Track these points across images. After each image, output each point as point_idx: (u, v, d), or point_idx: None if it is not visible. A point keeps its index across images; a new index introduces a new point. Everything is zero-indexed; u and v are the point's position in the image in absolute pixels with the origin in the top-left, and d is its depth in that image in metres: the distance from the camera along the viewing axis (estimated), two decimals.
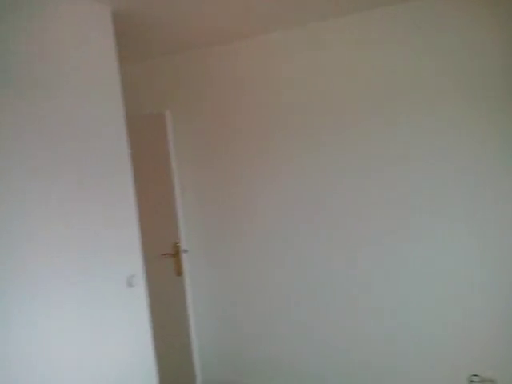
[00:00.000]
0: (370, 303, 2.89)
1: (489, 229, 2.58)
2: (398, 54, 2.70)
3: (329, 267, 2.98)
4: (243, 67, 3.10)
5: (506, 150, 2.54)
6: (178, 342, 3.19)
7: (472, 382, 2.67)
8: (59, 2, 2.00)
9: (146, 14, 2.44)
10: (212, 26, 2.76)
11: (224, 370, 3.39)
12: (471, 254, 2.63)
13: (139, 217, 3.07)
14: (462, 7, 2.54)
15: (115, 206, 2.24)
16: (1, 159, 1.68)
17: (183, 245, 3.12)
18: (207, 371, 3.44)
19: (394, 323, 2.84)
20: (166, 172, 3.09)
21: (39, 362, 1.78)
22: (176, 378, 3.22)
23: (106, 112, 2.23)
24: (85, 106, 2.10)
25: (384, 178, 2.80)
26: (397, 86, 2.72)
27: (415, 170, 2.71)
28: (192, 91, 3.27)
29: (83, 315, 2.00)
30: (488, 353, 2.64)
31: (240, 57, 3.10)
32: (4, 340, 1.64)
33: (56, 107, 1.94)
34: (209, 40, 3.03)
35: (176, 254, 3.11)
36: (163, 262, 3.17)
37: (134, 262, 2.35)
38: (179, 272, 3.11)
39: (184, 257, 3.12)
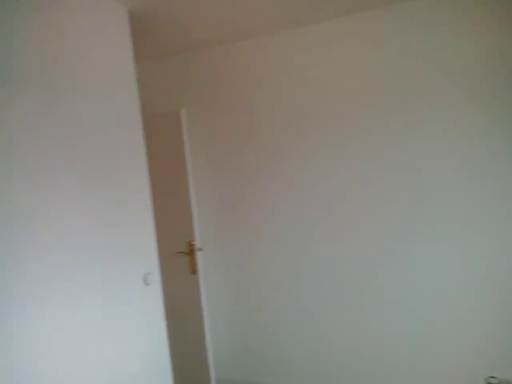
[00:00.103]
0: (384, 303, 2.87)
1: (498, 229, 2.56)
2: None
3: (342, 267, 2.97)
4: (259, 66, 3.10)
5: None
6: (192, 340, 3.20)
7: (489, 383, 2.63)
8: (77, 1, 2.02)
9: (162, 13, 2.45)
10: (227, 25, 2.76)
11: (238, 368, 3.40)
12: (485, 252, 2.60)
13: (154, 215, 3.09)
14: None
15: (131, 204, 2.26)
16: (19, 158, 1.70)
17: (198, 243, 3.13)
18: (221, 369, 3.45)
19: (409, 323, 2.82)
20: (181, 170, 3.10)
21: (53, 360, 1.80)
22: (190, 376, 3.23)
23: (122, 111, 2.25)
24: (101, 105, 2.12)
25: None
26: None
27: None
28: (207, 90, 3.28)
29: (99, 313, 2.02)
30: (506, 354, 2.60)
31: (256, 55, 3.10)
32: (19, 339, 1.67)
33: (73, 106, 1.96)
34: (224, 38, 3.03)
35: (191, 252, 3.12)
36: (178, 261, 3.18)
37: (149, 260, 2.37)
38: (194, 270, 3.12)
39: (199, 255, 3.13)
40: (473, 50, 2.55)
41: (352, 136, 2.88)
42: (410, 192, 2.76)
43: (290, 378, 3.22)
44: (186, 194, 3.10)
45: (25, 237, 1.69)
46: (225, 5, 2.43)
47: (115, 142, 2.18)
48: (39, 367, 1.71)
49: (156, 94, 3.46)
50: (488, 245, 2.61)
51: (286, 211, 3.11)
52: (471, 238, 2.65)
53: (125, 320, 2.16)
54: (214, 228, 3.37)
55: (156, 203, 3.07)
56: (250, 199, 3.22)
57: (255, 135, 3.16)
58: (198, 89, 3.31)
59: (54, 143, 1.84)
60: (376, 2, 2.61)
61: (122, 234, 2.18)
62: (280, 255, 3.16)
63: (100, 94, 2.11)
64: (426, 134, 2.69)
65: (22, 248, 1.68)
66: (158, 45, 3.05)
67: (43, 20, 1.84)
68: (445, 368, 2.75)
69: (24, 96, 1.73)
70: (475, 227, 2.63)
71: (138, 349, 2.23)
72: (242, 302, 3.33)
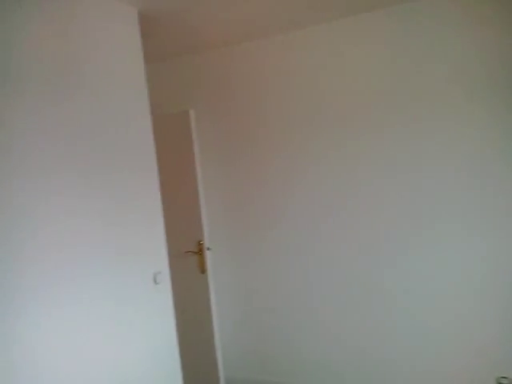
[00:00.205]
0: (395, 303, 2.87)
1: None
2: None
3: (351, 268, 2.97)
4: (267, 66, 3.11)
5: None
6: (201, 339, 3.21)
7: (500, 383, 2.62)
8: (87, 2, 2.04)
9: (171, 13, 2.47)
10: (235, 25, 2.77)
11: (247, 367, 3.40)
12: (495, 253, 2.59)
13: (163, 214, 3.11)
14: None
15: (141, 203, 2.28)
16: (28, 158, 1.72)
17: (207, 243, 3.14)
18: (230, 368, 3.46)
19: (419, 324, 2.81)
20: (190, 170, 3.11)
21: (64, 358, 1.81)
22: (199, 376, 3.24)
23: (132, 111, 2.27)
24: (112, 105, 2.14)
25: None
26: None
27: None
28: (216, 90, 3.29)
29: (110, 311, 2.04)
30: None
31: (264, 55, 3.11)
32: (32, 336, 1.69)
33: (84, 107, 1.98)
34: (232, 39, 3.04)
35: (199, 251, 3.13)
36: (187, 260, 3.20)
37: (159, 259, 2.38)
38: (203, 269, 3.13)
39: (208, 254, 3.14)
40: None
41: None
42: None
43: (298, 376, 3.22)
44: (195, 194, 3.11)
45: (29, 236, 1.71)
46: (234, 5, 2.44)
47: (126, 142, 2.20)
48: (53, 368, 1.73)
49: (164, 94, 3.48)
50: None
51: (294, 211, 3.11)
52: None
53: (135, 318, 2.18)
54: (223, 228, 3.38)
55: (165, 202, 3.08)
56: (258, 199, 3.23)
57: (263, 135, 3.17)
58: (207, 89, 3.32)
59: (65, 143, 1.86)
60: (385, 2, 2.61)
61: (132, 233, 2.20)
62: (288, 255, 3.16)
63: (110, 94, 2.13)
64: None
65: (26, 247, 1.70)
66: (166, 46, 3.07)
67: (54, 21, 1.86)
68: (455, 368, 2.74)
69: (35, 96, 1.75)
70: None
71: (147, 347, 2.25)
72: (251, 302, 3.33)
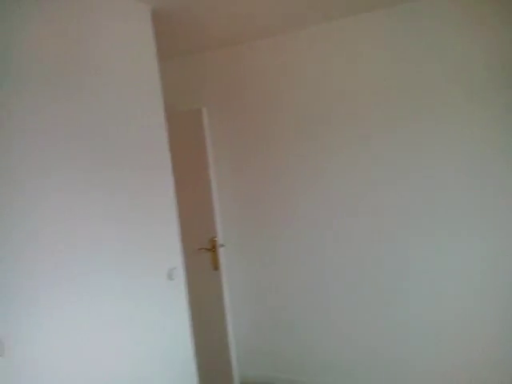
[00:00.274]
0: (409, 303, 2.85)
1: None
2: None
3: (363, 267, 2.96)
4: (280, 64, 3.10)
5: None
6: (215, 337, 3.22)
7: None
8: (102, 1, 2.05)
9: (184, 11, 2.48)
10: (247, 23, 2.78)
11: (260, 364, 3.41)
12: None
13: (177, 211, 3.12)
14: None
15: (156, 200, 2.29)
16: (42, 156, 1.74)
17: (220, 239, 3.15)
18: (244, 365, 3.47)
19: (436, 324, 2.79)
20: (203, 167, 3.12)
21: (79, 352, 1.84)
22: (212, 374, 3.26)
23: (146, 109, 2.28)
24: (127, 103, 2.15)
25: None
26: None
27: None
28: (228, 88, 3.30)
29: (125, 307, 2.05)
30: None
31: (276, 53, 3.11)
32: (48, 329, 1.71)
33: (97, 105, 1.99)
34: (245, 37, 3.05)
35: (213, 248, 3.14)
36: (200, 257, 3.21)
37: (174, 256, 2.39)
38: (216, 266, 3.14)
39: (221, 251, 3.15)
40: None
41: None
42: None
43: (310, 375, 3.22)
44: (208, 191, 3.12)
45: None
46: (246, 3, 2.44)
47: (140, 140, 2.21)
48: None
49: (177, 92, 3.50)
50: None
51: (308, 209, 3.11)
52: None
53: (150, 314, 2.19)
54: (236, 225, 3.38)
55: (178, 200, 3.10)
56: (271, 197, 3.23)
57: (276, 133, 3.17)
58: (219, 87, 3.33)
59: (80, 143, 1.88)
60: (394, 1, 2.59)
61: (147, 229, 2.21)
62: (302, 253, 3.16)
63: (124, 93, 2.14)
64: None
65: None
66: (179, 43, 3.08)
67: (68, 20, 1.88)
68: (471, 368, 2.72)
69: (48, 93, 1.77)
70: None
71: (162, 344, 2.25)
72: (265, 298, 3.34)
